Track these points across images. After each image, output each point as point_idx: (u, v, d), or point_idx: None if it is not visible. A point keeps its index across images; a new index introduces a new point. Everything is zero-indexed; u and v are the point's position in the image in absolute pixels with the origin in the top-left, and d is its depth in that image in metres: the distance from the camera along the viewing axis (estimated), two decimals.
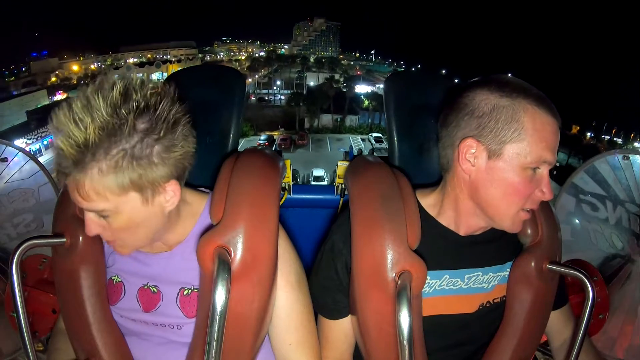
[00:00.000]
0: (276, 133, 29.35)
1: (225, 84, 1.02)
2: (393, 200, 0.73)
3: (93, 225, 0.65)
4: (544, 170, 0.70)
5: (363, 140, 25.98)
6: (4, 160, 1.39)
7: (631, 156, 1.36)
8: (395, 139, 0.99)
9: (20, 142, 23.55)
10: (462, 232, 0.79)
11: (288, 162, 1.03)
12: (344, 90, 32.26)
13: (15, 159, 1.41)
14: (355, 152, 1.07)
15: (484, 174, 0.71)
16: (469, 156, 0.71)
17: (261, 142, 25.02)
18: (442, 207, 0.80)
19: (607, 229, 1.40)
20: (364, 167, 0.83)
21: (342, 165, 1.05)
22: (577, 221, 1.44)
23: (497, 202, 0.71)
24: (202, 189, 0.83)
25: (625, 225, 1.36)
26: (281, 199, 1.11)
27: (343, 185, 1.11)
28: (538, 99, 0.68)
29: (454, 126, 0.73)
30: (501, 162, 0.69)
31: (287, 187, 1.14)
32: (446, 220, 0.80)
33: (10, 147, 1.41)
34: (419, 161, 0.94)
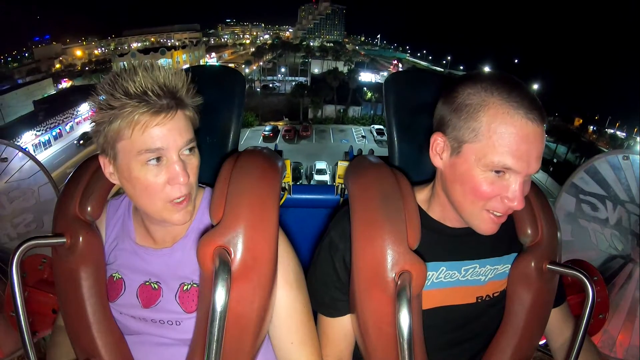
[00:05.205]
0: (280, 123, 29.41)
1: (225, 84, 1.02)
2: (393, 201, 0.74)
3: (188, 167, 0.70)
4: (511, 177, 0.65)
5: (364, 137, 26.17)
6: (4, 160, 1.39)
7: (631, 156, 1.36)
8: (395, 139, 0.99)
9: (29, 134, 23.88)
10: (450, 224, 0.79)
11: (288, 162, 1.03)
12: (348, 81, 32.54)
13: (15, 159, 1.41)
14: (355, 152, 1.07)
15: (449, 169, 0.71)
16: (438, 150, 0.72)
17: (266, 132, 24.89)
18: (431, 202, 0.81)
19: (607, 229, 1.39)
20: (364, 167, 0.83)
21: (342, 165, 1.05)
22: (577, 221, 1.44)
23: (460, 198, 0.71)
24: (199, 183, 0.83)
25: (625, 225, 1.36)
26: (281, 199, 1.11)
27: (343, 185, 1.11)
28: (509, 96, 0.63)
29: (434, 118, 0.75)
30: (461, 160, 0.68)
31: (287, 187, 1.14)
32: (436, 214, 0.80)
33: (10, 147, 1.41)
34: (419, 161, 0.94)
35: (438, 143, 0.72)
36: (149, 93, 0.65)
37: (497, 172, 0.65)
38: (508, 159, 0.63)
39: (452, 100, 0.68)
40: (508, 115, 0.63)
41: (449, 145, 0.70)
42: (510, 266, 0.82)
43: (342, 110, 31.22)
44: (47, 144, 24.97)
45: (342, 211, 0.84)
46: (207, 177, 0.83)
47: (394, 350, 0.69)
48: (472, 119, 0.65)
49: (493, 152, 0.64)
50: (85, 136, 25.29)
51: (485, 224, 0.71)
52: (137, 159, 0.67)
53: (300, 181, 17.40)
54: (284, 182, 1.12)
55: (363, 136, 26.61)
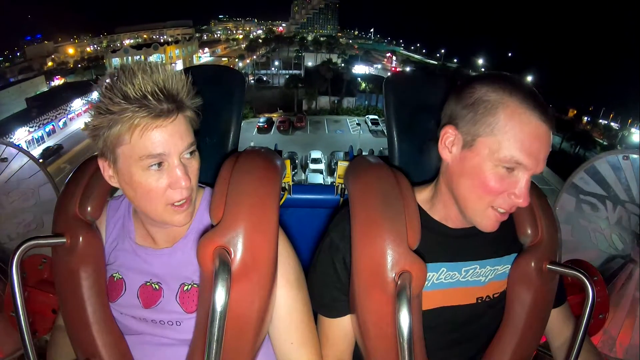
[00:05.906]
0: (275, 115, 29.38)
1: (225, 84, 1.02)
2: (393, 201, 0.74)
3: (189, 171, 0.70)
4: (519, 173, 0.67)
5: (358, 124, 26.55)
6: (4, 160, 1.39)
7: (631, 156, 1.36)
8: (395, 139, 0.99)
9: (22, 130, 23.57)
10: (451, 225, 0.80)
11: (288, 162, 1.03)
12: (342, 72, 32.52)
13: (15, 158, 1.41)
14: (355, 151, 1.07)
15: (458, 163, 0.72)
16: (448, 143, 0.73)
17: (260, 124, 25.08)
18: (433, 201, 0.81)
19: (607, 229, 1.40)
20: (364, 168, 0.83)
21: (342, 166, 1.05)
22: (577, 221, 1.44)
23: (466, 194, 0.72)
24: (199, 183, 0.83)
25: (625, 225, 1.36)
26: (281, 199, 1.11)
27: (343, 185, 1.11)
28: (525, 98, 0.66)
29: (443, 114, 0.76)
30: (473, 153, 0.69)
31: (287, 187, 1.14)
32: (438, 214, 0.80)
33: (10, 147, 1.41)
34: (419, 161, 0.94)
35: (448, 136, 0.73)
36: (149, 97, 0.63)
37: (508, 168, 0.67)
38: (521, 155, 0.66)
39: (469, 95, 0.70)
40: (525, 115, 0.66)
41: (461, 138, 0.71)
42: (510, 267, 0.82)
43: (336, 102, 31.18)
44: (40, 140, 24.66)
45: (343, 212, 0.84)
46: (207, 177, 0.83)
47: (394, 350, 0.69)
48: (490, 115, 0.67)
49: (508, 147, 0.66)
50: (47, 151, 22.80)
51: (489, 221, 0.72)
52: (139, 164, 0.66)
53: (296, 171, 17.59)
54: (284, 182, 1.12)
55: (358, 124, 26.98)
